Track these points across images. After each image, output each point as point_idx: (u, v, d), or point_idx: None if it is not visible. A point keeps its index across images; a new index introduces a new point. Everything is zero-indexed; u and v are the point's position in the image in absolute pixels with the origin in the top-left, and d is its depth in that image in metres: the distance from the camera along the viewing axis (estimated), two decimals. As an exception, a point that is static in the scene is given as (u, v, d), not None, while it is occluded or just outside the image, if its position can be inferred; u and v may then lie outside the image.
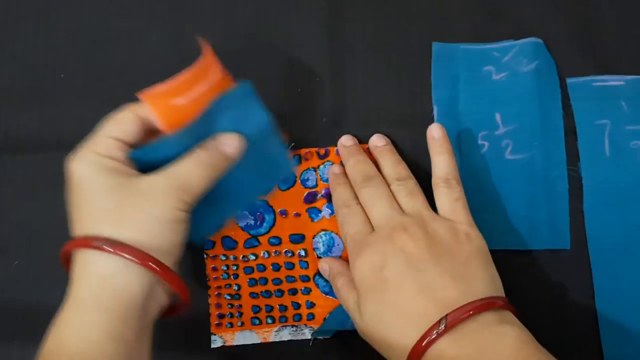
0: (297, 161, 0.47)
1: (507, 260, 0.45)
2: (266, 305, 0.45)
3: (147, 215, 0.34)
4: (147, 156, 0.37)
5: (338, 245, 0.45)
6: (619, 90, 0.48)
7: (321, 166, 0.47)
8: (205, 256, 0.46)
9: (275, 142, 0.42)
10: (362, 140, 0.48)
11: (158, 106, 0.37)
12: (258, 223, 0.46)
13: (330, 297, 0.44)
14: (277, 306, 0.45)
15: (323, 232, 0.45)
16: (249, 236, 0.46)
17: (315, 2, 0.51)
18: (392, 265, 0.38)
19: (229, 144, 0.38)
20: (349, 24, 0.50)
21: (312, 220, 0.46)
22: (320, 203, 0.46)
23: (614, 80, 0.48)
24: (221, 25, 0.50)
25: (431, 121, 0.48)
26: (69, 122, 0.49)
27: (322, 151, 0.47)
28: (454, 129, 0.47)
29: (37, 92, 0.50)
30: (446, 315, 0.35)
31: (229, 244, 0.46)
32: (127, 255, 0.34)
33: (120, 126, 0.37)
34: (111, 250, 0.34)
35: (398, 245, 0.39)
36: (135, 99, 0.49)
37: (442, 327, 0.35)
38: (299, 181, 0.46)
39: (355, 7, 0.50)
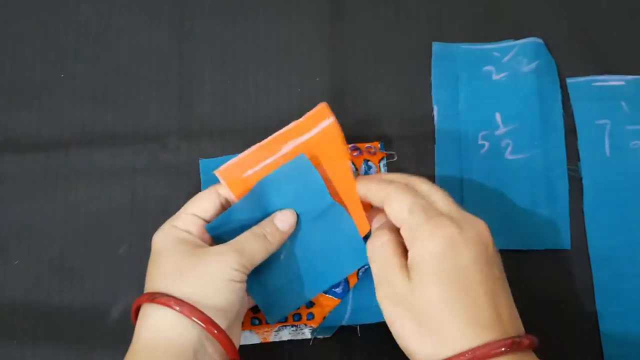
0: None
1: (507, 260, 0.45)
2: None
3: (203, 273, 0.37)
4: (218, 225, 0.40)
5: None
6: (619, 90, 0.48)
7: None
8: None
9: (343, 222, 0.41)
10: (363, 140, 0.48)
11: (229, 179, 0.41)
12: None
13: (330, 295, 0.44)
14: None
15: None
16: None
17: (316, 2, 0.51)
18: (478, 262, 0.36)
19: (282, 219, 0.41)
20: (349, 24, 0.50)
21: None
22: None
23: (614, 80, 0.48)
24: (221, 25, 0.51)
25: (431, 121, 0.48)
26: (69, 122, 0.49)
27: None
28: (454, 129, 0.47)
29: (37, 92, 0.50)
30: (520, 337, 0.34)
31: None
32: (176, 308, 0.36)
33: (199, 204, 0.41)
34: (164, 302, 0.36)
35: (483, 241, 0.37)
36: (135, 99, 0.49)
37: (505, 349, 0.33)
38: None
39: (355, 7, 0.51)
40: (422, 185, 0.39)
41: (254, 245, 0.39)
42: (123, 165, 0.48)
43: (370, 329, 0.44)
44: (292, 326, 0.44)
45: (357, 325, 0.44)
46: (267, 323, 0.43)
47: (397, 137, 0.48)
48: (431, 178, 0.47)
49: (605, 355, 0.44)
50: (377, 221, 0.41)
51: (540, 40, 0.49)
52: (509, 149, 0.47)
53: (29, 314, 0.46)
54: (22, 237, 0.47)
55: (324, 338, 0.44)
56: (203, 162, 0.47)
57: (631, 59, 0.49)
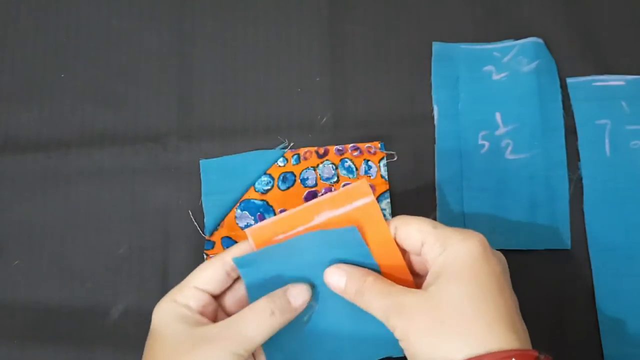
0: (296, 160, 0.47)
1: (507, 260, 0.45)
2: None
3: None
4: (248, 262, 0.38)
5: None
6: (619, 90, 0.48)
7: (320, 165, 0.47)
8: (205, 256, 0.46)
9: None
10: (362, 140, 0.48)
11: (258, 239, 0.38)
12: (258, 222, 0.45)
13: None
14: None
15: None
16: None
17: (316, 2, 0.51)
18: (506, 273, 0.36)
19: (296, 295, 0.37)
20: (349, 24, 0.50)
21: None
22: None
23: (614, 80, 0.48)
24: (221, 25, 0.51)
25: (431, 121, 0.48)
26: (69, 122, 0.49)
27: (322, 150, 0.47)
28: (454, 129, 0.47)
29: (37, 92, 0.50)
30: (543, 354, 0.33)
31: (230, 244, 0.46)
32: None
33: (204, 274, 0.38)
34: None
35: (504, 259, 0.37)
36: (135, 99, 0.49)
37: None
38: (299, 180, 0.47)
39: (355, 7, 0.51)
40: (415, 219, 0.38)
41: (258, 324, 0.36)
42: (123, 165, 0.48)
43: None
44: None
45: None
46: None
47: (397, 137, 0.48)
48: (431, 178, 0.47)
49: (605, 355, 0.44)
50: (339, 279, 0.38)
51: (540, 40, 0.49)
52: (509, 149, 0.47)
53: (29, 314, 0.46)
54: (22, 237, 0.47)
55: None
56: (204, 163, 0.48)
57: (631, 59, 0.49)
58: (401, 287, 0.36)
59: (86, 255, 0.47)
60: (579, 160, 0.47)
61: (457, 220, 0.46)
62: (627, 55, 0.49)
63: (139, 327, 0.45)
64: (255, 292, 0.38)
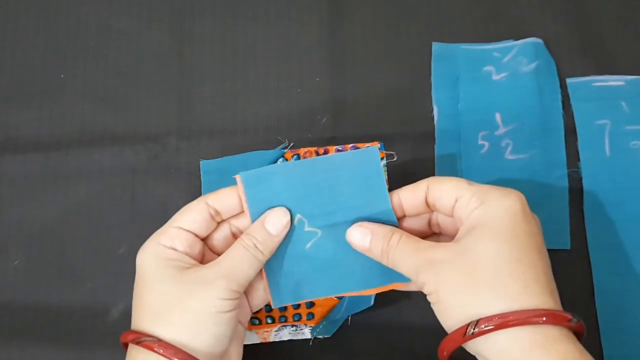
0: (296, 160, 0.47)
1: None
2: (265, 306, 0.45)
3: (188, 310, 0.35)
4: (255, 178, 0.38)
5: None
6: (619, 90, 0.48)
7: None
8: None
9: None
10: (362, 139, 0.48)
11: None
12: None
13: (330, 295, 0.44)
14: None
15: None
16: None
17: (316, 2, 0.51)
18: (541, 233, 0.35)
19: (274, 222, 0.38)
20: (349, 24, 0.50)
21: None
22: None
23: (614, 80, 0.48)
24: (221, 25, 0.51)
25: (431, 121, 0.48)
26: (69, 122, 0.49)
27: (321, 150, 0.47)
28: (454, 129, 0.47)
29: (37, 92, 0.50)
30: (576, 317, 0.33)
31: None
32: (160, 351, 0.34)
33: (187, 216, 0.38)
34: (148, 346, 0.34)
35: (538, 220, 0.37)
36: (135, 99, 0.49)
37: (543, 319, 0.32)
38: None
39: (355, 7, 0.51)
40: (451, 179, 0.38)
41: (244, 262, 0.37)
42: (123, 165, 0.48)
43: (369, 327, 0.44)
44: (292, 326, 0.44)
45: (348, 316, 0.43)
46: (268, 310, 0.42)
47: (397, 137, 0.48)
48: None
49: (605, 355, 0.44)
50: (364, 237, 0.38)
51: (540, 40, 0.49)
52: (509, 149, 0.47)
53: (29, 314, 0.46)
54: (22, 237, 0.47)
55: (323, 337, 0.44)
56: (204, 164, 0.47)
57: (631, 59, 0.49)
58: (431, 242, 0.36)
59: (86, 255, 0.47)
60: (578, 160, 0.47)
61: (457, 220, 0.46)
62: (627, 56, 0.49)
63: (139, 327, 0.45)
64: (256, 214, 0.38)
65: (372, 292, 0.39)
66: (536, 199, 0.46)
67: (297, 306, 0.44)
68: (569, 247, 0.45)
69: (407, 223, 0.39)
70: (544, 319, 0.32)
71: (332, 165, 0.39)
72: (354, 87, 0.49)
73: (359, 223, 0.38)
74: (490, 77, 0.48)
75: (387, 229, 0.37)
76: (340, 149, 0.47)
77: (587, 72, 0.48)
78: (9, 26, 0.51)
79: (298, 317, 0.44)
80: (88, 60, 0.50)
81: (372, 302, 0.41)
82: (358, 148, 0.46)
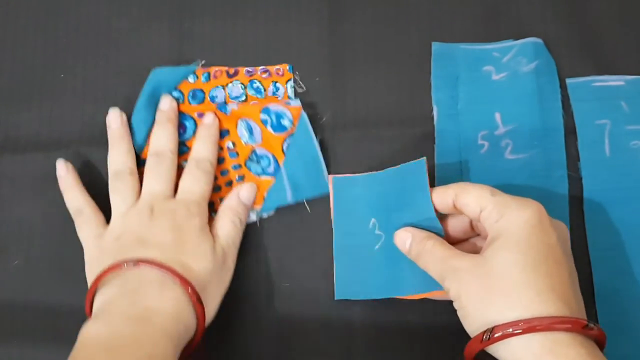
0: (206, 78, 0.48)
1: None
2: (210, 204, 0.46)
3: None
4: (345, 184, 0.45)
5: (255, 128, 0.47)
6: (619, 90, 0.48)
7: (229, 84, 0.48)
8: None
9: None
10: (362, 139, 0.48)
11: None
12: (182, 131, 0.47)
13: (264, 177, 0.47)
14: (218, 200, 0.46)
15: (240, 120, 0.47)
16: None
17: (316, 2, 0.51)
18: (560, 244, 0.37)
19: (243, 190, 0.46)
20: (349, 24, 0.50)
21: (226, 113, 0.47)
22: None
23: (614, 80, 0.48)
24: (222, 26, 0.50)
25: (431, 121, 0.48)
26: (69, 122, 0.49)
27: (232, 70, 0.49)
28: (454, 129, 0.47)
29: (37, 92, 0.50)
30: (592, 324, 0.35)
31: None
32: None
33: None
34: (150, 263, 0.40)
35: (564, 230, 0.39)
36: (135, 99, 0.49)
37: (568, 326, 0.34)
38: (208, 97, 0.48)
39: (355, 7, 0.50)
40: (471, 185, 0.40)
41: (224, 222, 0.44)
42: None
43: (369, 323, 0.44)
44: None
45: (304, 201, 0.46)
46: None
47: (397, 137, 0.48)
48: (431, 178, 0.47)
49: (605, 355, 0.43)
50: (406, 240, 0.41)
51: (540, 40, 0.49)
52: (509, 149, 0.47)
53: (29, 314, 0.46)
54: (22, 237, 0.47)
55: (268, 216, 0.46)
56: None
57: (631, 59, 0.49)
58: (458, 251, 0.38)
59: (86, 255, 0.47)
60: (578, 160, 0.47)
61: (457, 220, 0.46)
62: (626, 56, 0.49)
63: (139, 327, 0.45)
64: (339, 214, 0.45)
65: (419, 297, 0.42)
66: (536, 199, 0.46)
67: None
68: (568, 247, 0.45)
69: (450, 224, 0.42)
70: (556, 325, 0.34)
71: (389, 176, 0.43)
72: (354, 87, 0.49)
73: (405, 228, 0.41)
74: (490, 77, 0.48)
75: (424, 234, 0.40)
76: (250, 70, 0.49)
77: (587, 72, 0.48)
78: (9, 26, 0.51)
79: None
80: (88, 60, 0.50)
81: (329, 189, 0.45)
82: (267, 70, 0.48)
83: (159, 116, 0.47)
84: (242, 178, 0.47)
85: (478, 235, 0.42)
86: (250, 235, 0.46)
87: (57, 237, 0.47)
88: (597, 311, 0.44)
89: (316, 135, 0.47)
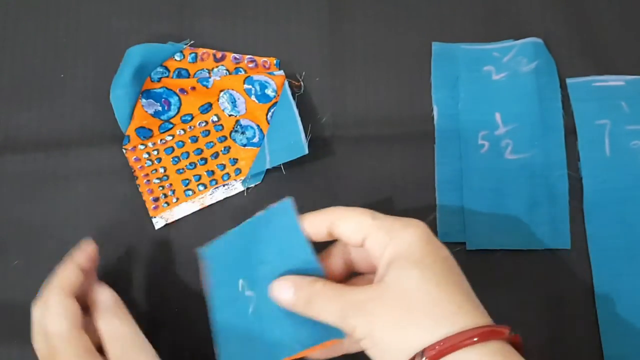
0: (192, 59, 0.49)
1: (508, 260, 0.45)
2: (194, 176, 0.47)
3: None
4: (214, 251, 0.41)
5: (239, 99, 0.47)
6: (619, 90, 0.48)
7: (215, 69, 0.49)
8: (124, 151, 0.47)
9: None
10: (362, 139, 0.48)
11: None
12: (166, 108, 0.48)
13: (249, 147, 0.47)
14: (205, 173, 0.47)
15: (222, 93, 0.47)
16: (161, 121, 0.48)
17: (316, 2, 0.51)
18: (452, 255, 0.35)
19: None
20: (349, 24, 0.50)
21: (207, 87, 0.47)
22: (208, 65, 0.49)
23: (614, 80, 0.48)
24: (222, 26, 0.50)
25: (431, 121, 0.48)
26: (69, 122, 0.49)
27: (219, 55, 0.49)
28: (454, 129, 0.47)
29: (37, 92, 0.50)
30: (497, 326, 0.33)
31: (145, 133, 0.48)
32: None
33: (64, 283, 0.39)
34: None
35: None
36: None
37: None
38: (192, 77, 0.48)
39: (355, 7, 0.50)
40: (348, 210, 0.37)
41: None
42: (123, 165, 0.48)
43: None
44: (224, 185, 0.47)
45: (280, 165, 0.46)
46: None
47: (397, 137, 0.48)
48: (431, 178, 0.47)
49: (605, 356, 0.44)
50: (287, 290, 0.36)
51: (540, 40, 0.49)
52: (509, 149, 0.47)
53: (29, 314, 0.46)
54: (22, 237, 0.47)
55: (255, 185, 0.47)
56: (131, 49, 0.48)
57: (631, 59, 0.49)
58: (352, 286, 0.35)
59: (86, 255, 0.47)
60: (578, 160, 0.47)
61: (457, 220, 0.46)
62: (627, 56, 0.49)
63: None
64: (213, 287, 0.40)
65: (309, 353, 0.36)
66: (536, 199, 0.46)
67: (223, 166, 0.47)
68: (569, 247, 0.45)
69: (327, 268, 0.37)
70: (491, 335, 0.32)
71: (255, 226, 0.38)
72: (354, 87, 0.49)
73: (281, 278, 0.36)
74: (490, 77, 0.48)
75: (309, 278, 0.36)
76: (237, 57, 0.49)
77: (587, 72, 0.48)
78: (9, 26, 0.51)
79: (227, 177, 0.47)
80: (88, 60, 0.50)
81: (306, 151, 0.45)
82: (255, 60, 0.48)
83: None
84: (228, 150, 0.48)
85: (355, 273, 0.39)
86: (238, 203, 0.47)
87: (57, 237, 0.47)
88: (597, 311, 0.44)
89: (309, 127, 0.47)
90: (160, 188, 0.47)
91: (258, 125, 0.47)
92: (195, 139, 0.48)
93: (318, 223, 0.37)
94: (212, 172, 0.47)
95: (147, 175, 0.47)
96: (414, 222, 0.35)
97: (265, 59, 0.49)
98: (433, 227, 0.46)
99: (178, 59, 0.49)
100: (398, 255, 0.34)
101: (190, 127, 0.48)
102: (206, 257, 0.40)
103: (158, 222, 0.47)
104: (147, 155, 0.47)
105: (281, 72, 0.47)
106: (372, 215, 0.36)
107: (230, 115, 0.48)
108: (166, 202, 0.47)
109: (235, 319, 0.38)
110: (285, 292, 0.36)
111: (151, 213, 0.47)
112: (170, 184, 0.47)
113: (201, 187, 0.47)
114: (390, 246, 0.34)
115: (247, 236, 0.39)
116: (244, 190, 0.47)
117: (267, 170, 0.47)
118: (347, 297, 0.34)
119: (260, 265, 0.37)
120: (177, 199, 0.47)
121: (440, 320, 0.32)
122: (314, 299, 0.35)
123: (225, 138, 0.48)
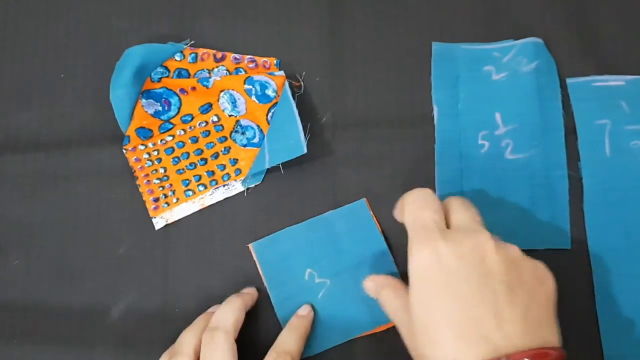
0: (193, 59, 0.49)
1: (507, 260, 0.45)
2: (194, 176, 0.47)
3: None
4: (264, 245, 0.46)
5: (239, 99, 0.47)
6: (619, 90, 0.48)
7: (215, 69, 0.49)
8: (124, 151, 0.47)
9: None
10: (362, 139, 0.48)
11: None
12: (167, 108, 0.48)
13: (249, 147, 0.47)
14: (205, 173, 0.47)
15: (223, 93, 0.47)
16: (161, 122, 0.48)
17: (316, 2, 0.51)
18: (471, 275, 0.35)
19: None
20: (349, 24, 0.50)
21: (207, 87, 0.47)
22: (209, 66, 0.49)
23: (614, 80, 0.48)
24: (222, 26, 0.50)
25: (431, 121, 0.48)
26: (69, 122, 0.49)
27: (219, 55, 0.49)
28: (454, 129, 0.47)
29: (37, 92, 0.50)
30: (510, 354, 0.33)
31: (145, 133, 0.48)
32: None
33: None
34: None
35: (479, 255, 0.35)
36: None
37: None
38: (193, 77, 0.48)
39: (355, 8, 0.50)
40: (453, 200, 0.40)
41: (292, 340, 0.42)
42: (123, 165, 0.48)
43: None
44: (224, 185, 0.47)
45: (279, 165, 0.46)
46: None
47: (397, 137, 0.48)
48: (431, 178, 0.47)
49: (605, 356, 0.44)
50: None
51: (540, 40, 0.49)
52: (509, 149, 0.47)
53: (29, 314, 0.46)
54: (22, 237, 0.47)
55: (255, 185, 0.47)
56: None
57: (631, 59, 0.49)
58: (405, 300, 0.38)
59: (86, 255, 0.47)
60: (578, 160, 0.47)
61: (457, 220, 0.46)
62: (627, 55, 0.49)
63: (139, 327, 0.45)
64: (270, 275, 0.45)
65: (379, 330, 0.44)
66: (536, 199, 0.46)
67: (223, 167, 0.47)
68: (569, 247, 0.45)
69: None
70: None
71: (330, 220, 0.46)
72: (354, 87, 0.49)
73: (371, 276, 0.42)
74: (490, 76, 0.48)
75: (381, 281, 0.41)
76: (237, 57, 0.49)
77: (587, 72, 0.48)
78: (9, 26, 0.51)
79: (227, 177, 0.47)
80: (88, 60, 0.50)
81: (304, 150, 0.45)
82: (255, 60, 0.49)
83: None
84: (228, 150, 0.48)
85: None
86: (238, 203, 0.47)
87: (57, 237, 0.47)
88: (597, 311, 0.44)
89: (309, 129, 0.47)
90: (161, 188, 0.47)
91: (258, 126, 0.47)
92: (195, 140, 0.48)
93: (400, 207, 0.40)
94: (212, 173, 0.47)
95: (147, 175, 0.47)
96: (426, 243, 0.36)
97: (265, 59, 0.49)
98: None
99: (178, 59, 0.49)
100: (410, 274, 0.36)
101: (190, 127, 0.48)
102: (258, 250, 0.45)
103: (158, 223, 0.47)
104: (147, 156, 0.48)
105: (281, 73, 0.47)
106: (414, 223, 0.38)
107: (230, 116, 0.48)
108: (166, 203, 0.47)
109: (301, 303, 0.44)
110: (369, 286, 0.42)
111: (151, 213, 0.47)
112: (171, 184, 0.47)
113: (201, 188, 0.47)
114: (408, 262, 0.37)
115: (314, 229, 0.45)
116: (244, 191, 0.47)
117: (267, 170, 0.47)
118: (403, 300, 0.38)
119: (338, 255, 0.45)
120: (177, 199, 0.47)
121: (429, 356, 0.34)
122: (382, 292, 0.40)
123: (226, 138, 0.48)
